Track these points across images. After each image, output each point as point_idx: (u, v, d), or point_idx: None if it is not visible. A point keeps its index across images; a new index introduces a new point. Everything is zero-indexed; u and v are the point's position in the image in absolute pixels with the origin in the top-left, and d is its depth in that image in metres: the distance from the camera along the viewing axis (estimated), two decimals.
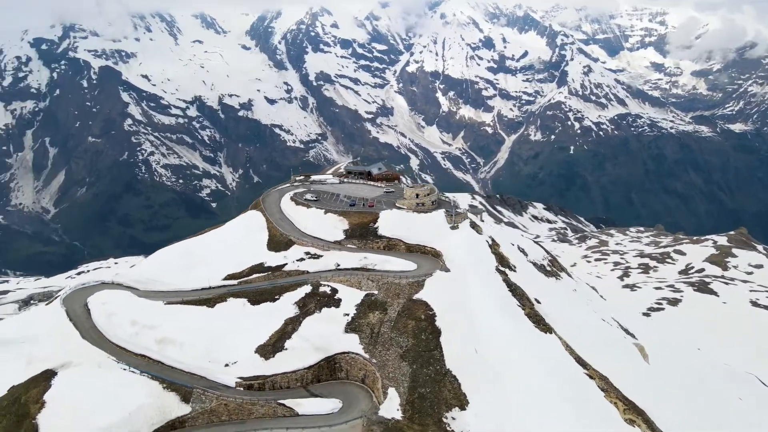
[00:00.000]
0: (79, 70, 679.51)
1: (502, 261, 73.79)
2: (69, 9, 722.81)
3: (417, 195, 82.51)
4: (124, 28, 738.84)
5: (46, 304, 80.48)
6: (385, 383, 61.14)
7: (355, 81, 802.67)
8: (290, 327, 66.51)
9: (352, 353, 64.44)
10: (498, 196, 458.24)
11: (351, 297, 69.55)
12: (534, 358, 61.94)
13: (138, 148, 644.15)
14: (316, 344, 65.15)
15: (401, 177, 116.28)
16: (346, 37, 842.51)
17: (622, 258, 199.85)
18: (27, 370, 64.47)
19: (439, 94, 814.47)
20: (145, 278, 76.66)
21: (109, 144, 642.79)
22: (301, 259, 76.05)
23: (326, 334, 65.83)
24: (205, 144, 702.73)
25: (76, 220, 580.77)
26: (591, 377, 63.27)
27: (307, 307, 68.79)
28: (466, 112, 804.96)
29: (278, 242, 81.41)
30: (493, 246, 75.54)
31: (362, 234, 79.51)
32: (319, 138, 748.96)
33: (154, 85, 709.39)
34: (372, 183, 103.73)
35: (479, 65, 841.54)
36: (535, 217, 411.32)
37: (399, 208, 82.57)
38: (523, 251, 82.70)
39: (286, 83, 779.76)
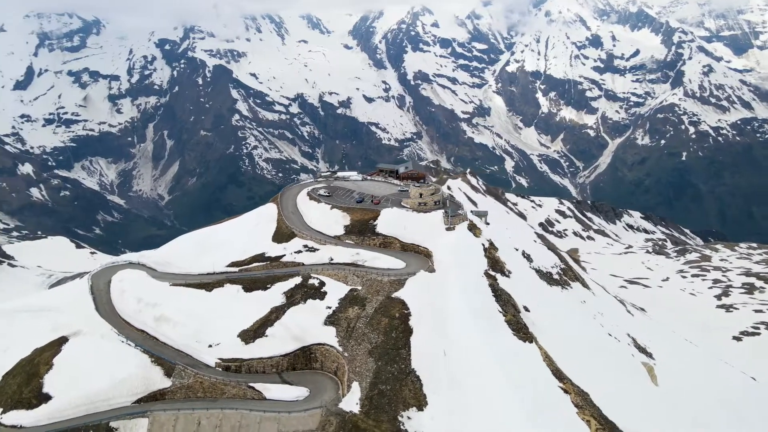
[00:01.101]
0: (196, 69, 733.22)
1: (495, 265, 71.77)
2: (190, 12, 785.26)
3: (420, 194, 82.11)
4: (236, 29, 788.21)
5: (79, 279, 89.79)
6: (350, 377, 62.26)
7: (453, 80, 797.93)
8: (274, 315, 69.48)
9: (327, 345, 66.13)
10: (589, 202, 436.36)
11: (336, 291, 71.20)
12: (501, 366, 60.06)
13: (243, 142, 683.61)
14: (295, 334, 67.56)
15: (427, 176, 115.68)
16: (445, 36, 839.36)
17: (723, 275, 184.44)
18: (49, 335, 72.78)
19: (539, 95, 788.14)
20: (163, 261, 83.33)
21: (218, 138, 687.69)
22: (299, 252, 78.88)
23: (306, 325, 68.03)
24: (304, 140, 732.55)
25: (186, 207, 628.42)
26: (566, 392, 60.20)
27: (294, 297, 71.40)
28: (568, 113, 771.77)
29: (282, 234, 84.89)
30: (489, 249, 73.61)
31: (361, 230, 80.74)
32: (414, 137, 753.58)
33: (261, 83, 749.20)
34: (393, 181, 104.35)
35: (584, 65, 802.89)
36: (630, 226, 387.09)
37: (403, 206, 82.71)
38: (528, 257, 79.57)
39: (384, 82, 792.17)
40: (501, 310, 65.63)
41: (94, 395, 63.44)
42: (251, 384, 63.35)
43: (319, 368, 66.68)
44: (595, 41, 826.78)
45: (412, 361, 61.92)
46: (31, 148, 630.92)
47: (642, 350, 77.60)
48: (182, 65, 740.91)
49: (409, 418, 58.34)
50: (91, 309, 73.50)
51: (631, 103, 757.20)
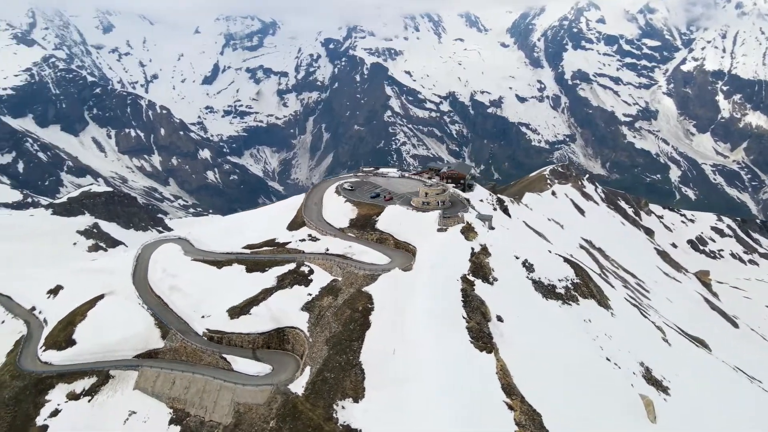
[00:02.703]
0: (355, 67, 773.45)
1: (478, 270, 69.05)
2: (354, 12, 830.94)
3: (426, 194, 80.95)
4: (396, 28, 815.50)
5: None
6: (306, 361, 65.13)
7: (616, 80, 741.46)
8: (262, 296, 74.65)
9: (299, 329, 69.60)
10: (758, 221, 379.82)
11: (321, 279, 74.23)
12: (447, 371, 58.35)
13: (393, 138, 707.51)
14: (275, 315, 72.04)
15: (467, 177, 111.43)
16: (612, 32, 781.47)
17: None
18: (96, 292, 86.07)
19: (719, 97, 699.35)
20: (200, 238, 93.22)
21: (370, 133, 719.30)
22: (303, 240, 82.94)
23: (286, 308, 72.13)
24: (452, 138, 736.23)
25: None
26: (511, 408, 56.74)
27: (284, 281, 75.92)
28: (755, 119, 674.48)
29: (295, 223, 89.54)
30: (478, 254, 70.86)
31: (363, 225, 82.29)
32: (567, 139, 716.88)
33: (414, 80, 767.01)
34: (428, 181, 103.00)
35: None
36: None
37: (411, 205, 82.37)
38: (529, 267, 74.36)
39: (539, 81, 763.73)
40: (465, 317, 63.33)
41: (106, 346, 74.39)
42: (224, 355, 69.26)
43: (290, 350, 70.37)
44: None
45: (361, 354, 62.78)
46: (211, 136, 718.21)
47: (653, 382, 68.89)
48: (343, 63, 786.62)
49: (343, 407, 59.50)
50: (128, 274, 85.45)
51: None
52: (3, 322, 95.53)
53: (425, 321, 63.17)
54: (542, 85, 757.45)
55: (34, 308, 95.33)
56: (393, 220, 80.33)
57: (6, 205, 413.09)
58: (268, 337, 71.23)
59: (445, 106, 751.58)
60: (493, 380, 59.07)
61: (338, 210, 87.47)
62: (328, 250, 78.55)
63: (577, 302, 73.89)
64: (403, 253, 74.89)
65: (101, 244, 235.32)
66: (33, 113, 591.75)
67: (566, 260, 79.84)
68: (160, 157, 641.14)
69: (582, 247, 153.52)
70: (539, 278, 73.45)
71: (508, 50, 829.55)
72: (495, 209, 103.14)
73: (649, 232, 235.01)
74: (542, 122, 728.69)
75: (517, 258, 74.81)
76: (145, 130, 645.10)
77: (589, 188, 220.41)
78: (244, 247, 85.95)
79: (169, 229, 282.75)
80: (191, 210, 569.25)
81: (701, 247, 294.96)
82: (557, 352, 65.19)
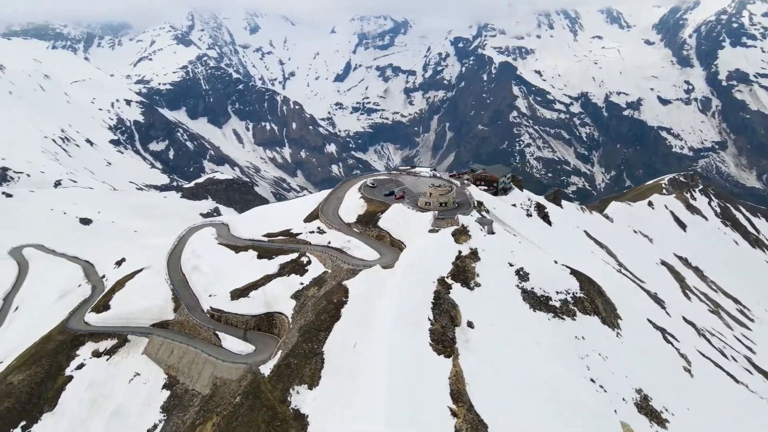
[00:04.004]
0: (483, 65, 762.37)
1: (459, 274, 66.85)
2: (485, 10, 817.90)
3: (430, 194, 79.23)
4: (528, 26, 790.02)
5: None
6: (281, 345, 68.16)
7: None
8: (262, 281, 78.86)
9: (284, 315, 72.81)
10: None
11: (315, 270, 76.62)
12: (397, 369, 57.99)
13: (517, 139, 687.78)
14: (268, 300, 75.90)
15: (500, 179, 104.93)
16: None
17: None
18: (141, 266, 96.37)
19: None
20: (236, 225, 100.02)
21: (494, 133, 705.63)
22: (312, 232, 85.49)
23: (279, 295, 75.65)
24: (581, 141, 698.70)
25: None
26: (454, 415, 55.15)
27: (284, 269, 79.46)
28: None
29: (311, 216, 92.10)
30: (464, 258, 68.48)
31: (367, 221, 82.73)
32: (716, 147, 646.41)
33: (545, 80, 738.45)
34: (453, 181, 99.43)
35: None
36: None
37: (416, 204, 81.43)
38: (524, 276, 69.73)
39: (686, 82, 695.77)
40: (431, 319, 61.96)
41: (131, 313, 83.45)
42: (217, 332, 74.55)
43: (276, 333, 73.71)
44: None
45: (325, 344, 64.27)
46: (339, 131, 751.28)
47: (648, 412, 61.87)
48: (471, 62, 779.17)
49: (297, 392, 61.64)
50: (166, 251, 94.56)
51: None
52: (80, 285, 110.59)
53: (389, 319, 62.96)
54: (690, 86, 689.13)
55: (104, 276, 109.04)
56: (393, 218, 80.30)
57: (155, 187, 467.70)
58: (259, 320, 75.23)
59: (576, 108, 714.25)
60: (443, 385, 57.54)
61: (352, 205, 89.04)
62: (329, 243, 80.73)
63: (574, 317, 68.54)
64: (396, 250, 74.72)
65: None
66: (186, 106, 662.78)
67: (574, 273, 73.96)
68: (290, 150, 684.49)
69: (664, 263, 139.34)
70: (532, 288, 69.23)
71: (653, 48, 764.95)
72: (530, 215, 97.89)
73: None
74: (687, 127, 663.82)
75: (511, 265, 71.13)
76: (279, 124, 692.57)
77: (701, 201, 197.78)
78: (264, 235, 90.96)
79: None
80: None
81: None
82: (527, 365, 61.36)
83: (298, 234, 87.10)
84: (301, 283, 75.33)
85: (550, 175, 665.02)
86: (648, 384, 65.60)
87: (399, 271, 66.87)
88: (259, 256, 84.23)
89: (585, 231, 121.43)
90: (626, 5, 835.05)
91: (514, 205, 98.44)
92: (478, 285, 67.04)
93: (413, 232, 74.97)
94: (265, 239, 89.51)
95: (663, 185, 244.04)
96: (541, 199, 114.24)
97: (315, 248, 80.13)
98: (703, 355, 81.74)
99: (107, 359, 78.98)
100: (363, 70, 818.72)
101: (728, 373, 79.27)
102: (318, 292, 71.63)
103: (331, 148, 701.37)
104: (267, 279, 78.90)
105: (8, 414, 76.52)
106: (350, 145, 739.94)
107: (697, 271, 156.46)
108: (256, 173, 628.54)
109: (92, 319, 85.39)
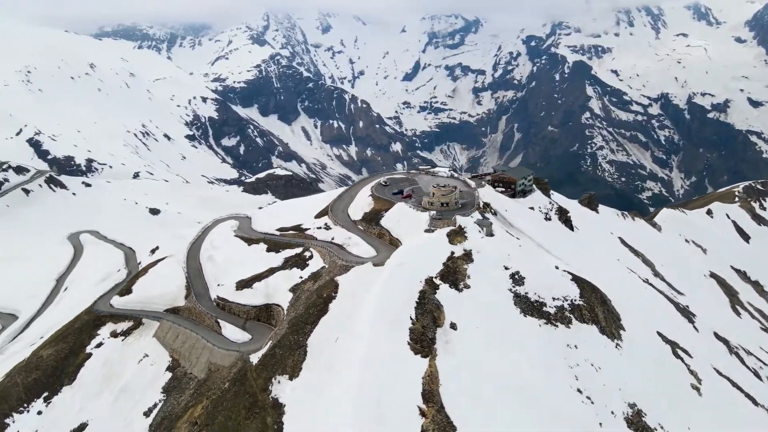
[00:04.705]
0: (555, 65, 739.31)
1: (449, 275, 65.65)
2: (560, 8, 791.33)
3: (433, 194, 78.09)
4: (606, 23, 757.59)
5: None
6: (272, 336, 69.95)
7: None
8: (266, 274, 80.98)
9: (281, 307, 74.54)
10: None
11: (315, 265, 77.80)
12: (369, 366, 58.14)
13: (589, 141, 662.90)
14: (269, 292, 77.91)
15: (518, 181, 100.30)
16: None
17: None
18: (167, 254, 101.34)
19: None
20: (256, 219, 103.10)
21: (564, 134, 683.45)
22: (319, 228, 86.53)
23: (279, 287, 77.50)
24: (659, 144, 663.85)
25: None
26: (423, 414, 54.77)
27: (287, 263, 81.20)
28: None
29: (322, 212, 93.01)
30: (456, 259, 67.17)
31: (371, 219, 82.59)
32: None
33: (621, 80, 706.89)
34: (470, 182, 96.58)
35: None
36: None
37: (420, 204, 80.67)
38: (519, 280, 67.11)
39: None
40: (413, 318, 61.47)
41: (148, 298, 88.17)
42: (219, 320, 77.35)
43: (273, 324, 75.50)
44: None
45: (310, 337, 65.30)
46: (405, 130, 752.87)
47: (639, 427, 58.21)
48: (543, 61, 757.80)
49: (279, 382, 63.13)
50: (189, 241, 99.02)
51: None
52: (119, 270, 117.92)
53: (371, 315, 62.98)
54: None
55: (140, 262, 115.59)
56: (395, 217, 79.85)
57: (225, 181, 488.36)
58: (259, 311, 77.33)
59: (655, 109, 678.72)
60: (416, 384, 57.16)
61: (360, 203, 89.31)
62: (333, 239, 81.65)
63: (569, 325, 65.62)
64: (393, 249, 74.09)
65: None
66: (258, 104, 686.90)
67: (576, 279, 70.62)
68: (356, 148, 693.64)
69: (714, 276, 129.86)
70: (526, 293, 66.89)
71: (744, 46, 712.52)
72: (548, 219, 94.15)
73: None
74: None
75: (506, 268, 69.01)
76: (346, 122, 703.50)
77: None
78: (277, 229, 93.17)
79: None
80: None
81: None
82: (508, 370, 59.51)
83: (307, 229, 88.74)
84: (300, 277, 76.74)
85: (623, 179, 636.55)
86: (644, 399, 61.84)
87: (387, 269, 66.69)
88: (268, 250, 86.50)
89: (620, 238, 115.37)
90: (715, 1, 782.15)
91: (532, 208, 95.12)
92: (467, 287, 65.66)
93: (411, 231, 74.43)
94: (277, 233, 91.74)
95: (737, 193, 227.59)
96: (573, 204, 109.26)
97: (318, 244, 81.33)
98: (720, 374, 75.81)
99: (122, 340, 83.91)
100: (432, 70, 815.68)
101: (747, 395, 73.15)
102: (312, 286, 72.71)
103: (397, 146, 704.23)
104: (271, 272, 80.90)
105: (34, 385, 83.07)
106: (416, 144, 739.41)
107: (757, 285, 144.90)
108: (322, 170, 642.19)
109: (116, 302, 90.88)
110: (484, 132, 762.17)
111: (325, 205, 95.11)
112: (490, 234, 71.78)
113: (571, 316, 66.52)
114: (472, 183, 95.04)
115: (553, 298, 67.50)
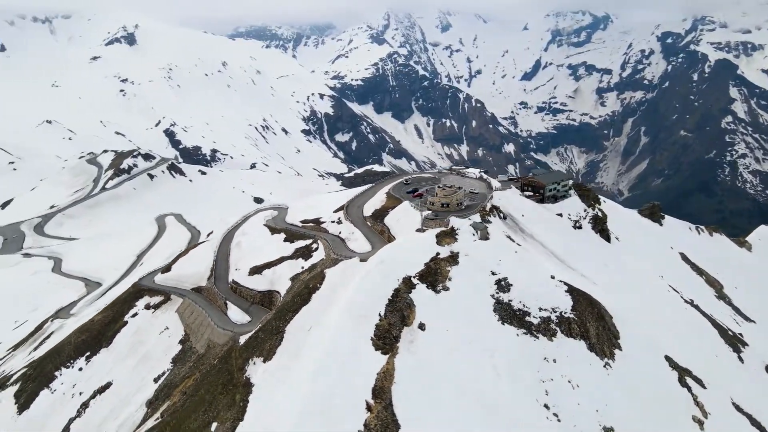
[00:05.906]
0: (694, 63, 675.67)
1: (429, 275, 63.65)
2: (702, 2, 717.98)
3: (436, 194, 75.52)
4: (758, 17, 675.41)
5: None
6: (262, 320, 72.90)
7: None
8: (276, 262, 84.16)
9: (279, 294, 77.30)
10: None
11: (317, 257, 79.54)
12: (327, 357, 58.92)
13: (729, 148, 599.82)
14: (273, 279, 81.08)
15: (546, 186, 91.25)
16: None
17: None
18: (211, 238, 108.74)
19: None
20: (291, 210, 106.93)
21: (699, 140, 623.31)
22: (333, 222, 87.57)
23: (282, 275, 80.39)
24: None
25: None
26: (369, 409, 54.82)
27: (296, 252, 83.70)
28: None
29: (340, 207, 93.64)
30: (440, 260, 64.87)
31: (378, 216, 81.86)
32: None
33: None
34: (494, 184, 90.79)
35: None
36: None
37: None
38: (505, 287, 62.69)
39: None
40: (381, 315, 61.08)
41: (181, 277, 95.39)
42: (227, 301, 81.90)
43: (272, 309, 78.40)
44: None
45: (289, 324, 67.05)
46: (520, 131, 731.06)
47: None
48: (680, 60, 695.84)
49: (254, 363, 65.82)
50: (227, 228, 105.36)
51: None
52: (181, 250, 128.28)
53: (341, 309, 63.49)
54: None
55: (197, 244, 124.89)
56: (397, 215, 78.77)
57: (335, 175, 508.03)
58: (263, 296, 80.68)
59: None
60: (368, 379, 57.16)
61: (375, 200, 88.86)
62: (340, 233, 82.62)
63: (551, 337, 60.89)
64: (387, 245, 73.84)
65: None
66: (373, 101, 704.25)
67: (571, 291, 64.95)
68: (468, 147, 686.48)
69: None
70: (510, 300, 63.07)
71: None
72: (578, 227, 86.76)
73: None
74: None
75: (493, 274, 65.49)
76: (459, 121, 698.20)
77: None
78: (301, 221, 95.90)
79: None
80: None
81: None
82: (470, 376, 56.94)
83: (323, 222, 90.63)
84: (302, 267, 78.91)
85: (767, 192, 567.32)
86: (626, 424, 55.84)
87: (369, 265, 66.49)
88: (285, 239, 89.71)
89: (681, 253, 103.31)
90: None
91: (560, 215, 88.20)
92: (446, 289, 63.49)
93: (406, 230, 73.38)
94: (299, 225, 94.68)
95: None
96: (628, 213, 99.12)
97: (326, 236, 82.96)
98: (739, 409, 65.75)
99: (152, 312, 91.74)
100: (553, 69, 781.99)
101: None
102: (307, 276, 74.50)
103: (510, 147, 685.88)
104: (281, 260, 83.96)
105: (82, 345, 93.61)
106: (531, 146, 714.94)
107: None
108: (432, 168, 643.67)
109: (158, 278, 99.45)
110: (606, 135, 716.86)
111: (343, 201, 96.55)
112: (484, 237, 68.51)
113: (557, 328, 61.71)
114: (497, 185, 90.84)
115: (540, 309, 63.02)
